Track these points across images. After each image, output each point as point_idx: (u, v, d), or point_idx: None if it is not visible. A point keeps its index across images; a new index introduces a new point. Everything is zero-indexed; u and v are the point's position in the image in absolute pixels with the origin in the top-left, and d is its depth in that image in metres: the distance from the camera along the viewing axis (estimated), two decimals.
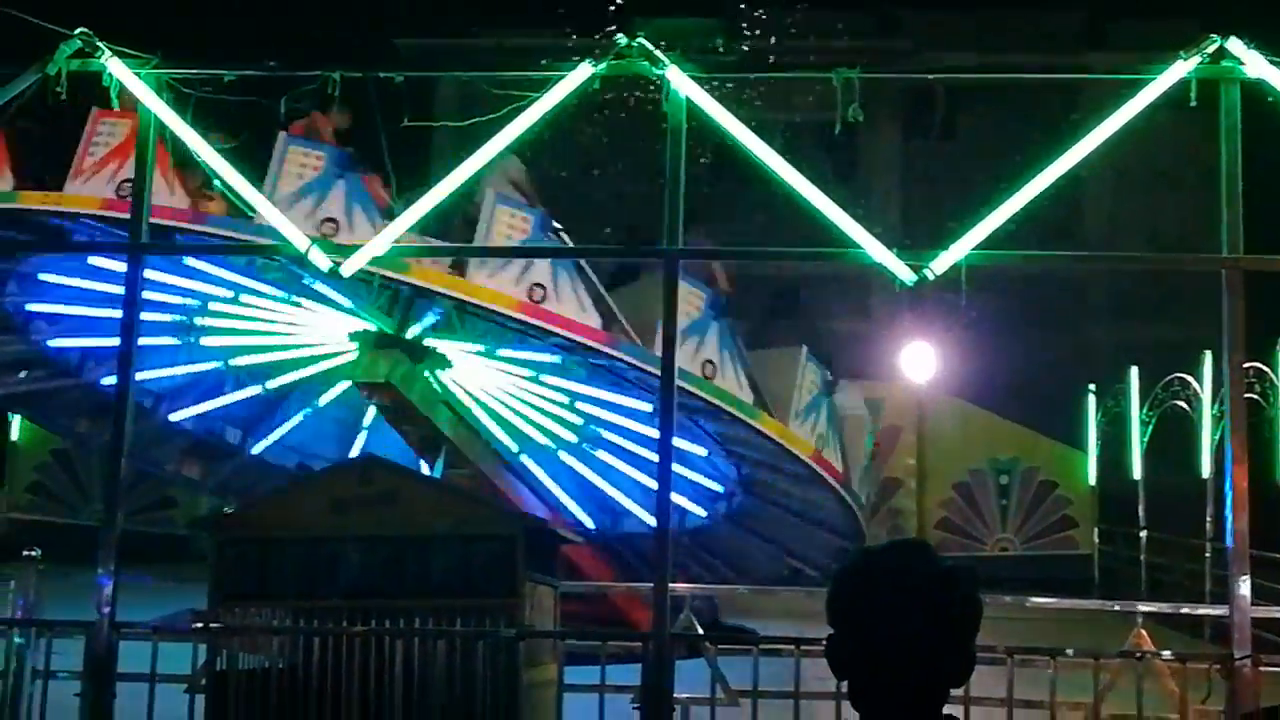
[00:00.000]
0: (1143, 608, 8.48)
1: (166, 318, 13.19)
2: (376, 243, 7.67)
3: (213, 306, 13.44)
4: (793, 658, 7.46)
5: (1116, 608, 9.54)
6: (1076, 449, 22.09)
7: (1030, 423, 22.49)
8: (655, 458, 10.73)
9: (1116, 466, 20.10)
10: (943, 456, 22.68)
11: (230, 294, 13.25)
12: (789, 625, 9.37)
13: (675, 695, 7.41)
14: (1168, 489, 19.00)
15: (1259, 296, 7.49)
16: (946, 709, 2.51)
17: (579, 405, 13.22)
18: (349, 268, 7.74)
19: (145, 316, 9.68)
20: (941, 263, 7.30)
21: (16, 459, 21.54)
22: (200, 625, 7.06)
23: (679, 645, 7.73)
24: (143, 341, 8.97)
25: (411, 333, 12.21)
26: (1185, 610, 10.58)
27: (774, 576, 13.78)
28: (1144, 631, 7.97)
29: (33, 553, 8.70)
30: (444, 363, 12.50)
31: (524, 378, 13.09)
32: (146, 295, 9.39)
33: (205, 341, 13.57)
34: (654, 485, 8.78)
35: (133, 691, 7.41)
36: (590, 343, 11.42)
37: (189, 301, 13.26)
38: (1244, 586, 6.72)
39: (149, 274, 9.43)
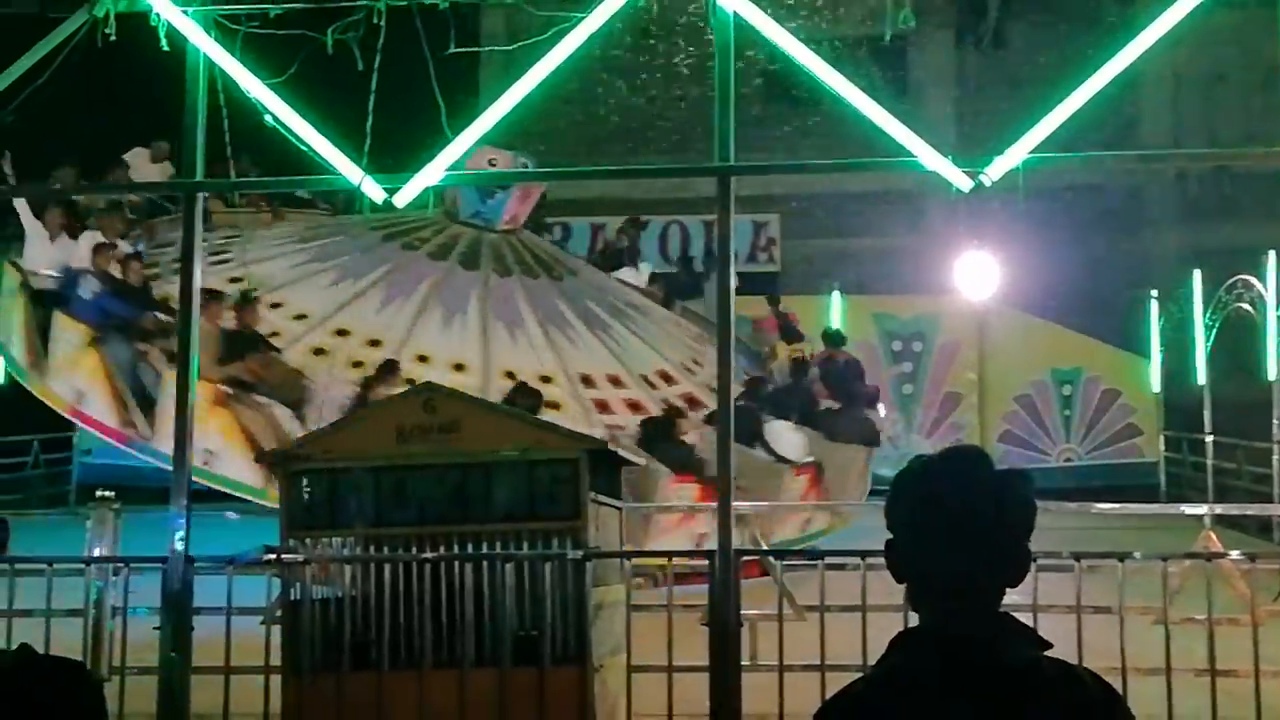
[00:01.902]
0: (1210, 510, 8.42)
1: None
2: (429, 171, 7.67)
3: None
4: (859, 572, 7.48)
5: (1184, 510, 9.48)
6: (1139, 356, 21.89)
7: (1092, 331, 22.29)
8: None
9: (1180, 373, 19.89)
10: (1003, 369, 22.56)
11: None
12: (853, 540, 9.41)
13: (743, 612, 7.45)
14: (1233, 393, 18.78)
15: None
16: (1015, 615, 2.58)
17: None
18: (403, 198, 7.75)
19: None
20: (998, 167, 7.21)
21: None
22: (273, 558, 7.17)
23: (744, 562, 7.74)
24: None
25: None
26: (1253, 512, 10.50)
27: None
28: (1212, 534, 7.92)
29: (107, 494, 8.88)
30: None
31: None
32: None
33: None
34: None
35: (210, 625, 7.56)
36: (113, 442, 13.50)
37: None
38: None
39: None
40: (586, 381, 14.32)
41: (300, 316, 14.49)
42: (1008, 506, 2.58)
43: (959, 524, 2.53)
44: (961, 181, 7.29)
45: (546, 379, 14.02)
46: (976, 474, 2.59)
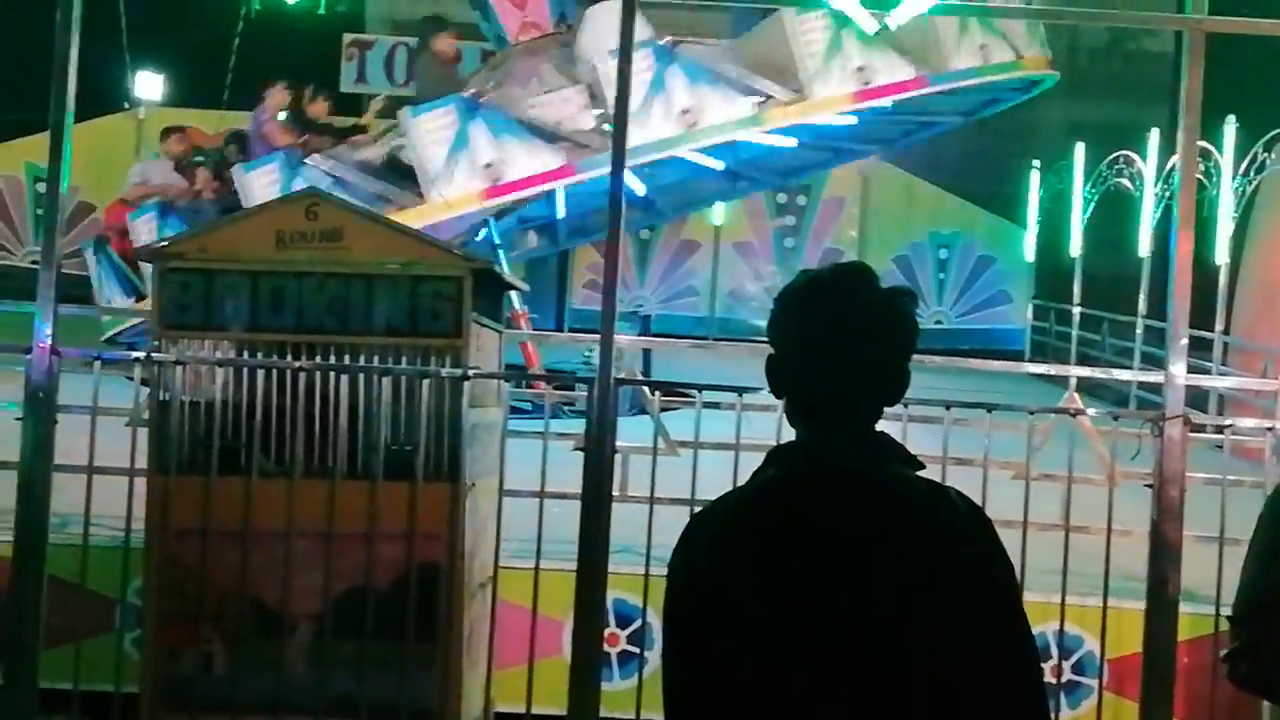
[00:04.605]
0: (1077, 372, 8.63)
1: None
2: None
3: None
4: (734, 411, 7.51)
5: (1051, 371, 9.71)
6: (1016, 224, 22.23)
7: (972, 197, 22.57)
8: None
9: (1054, 244, 20.27)
10: (884, 228, 22.78)
11: None
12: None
13: (617, 444, 7.46)
14: (1104, 268, 19.24)
15: (1208, 79, 7.27)
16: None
17: None
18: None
19: None
20: (904, 11, 7.12)
21: None
22: (143, 356, 6.99)
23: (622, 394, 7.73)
24: None
25: None
26: (1118, 375, 10.79)
27: None
28: (1076, 395, 8.12)
29: None
30: None
31: None
32: None
33: None
34: None
35: (74, 425, 7.37)
36: None
37: None
38: (1182, 347, 6.77)
39: None
40: None
41: None
42: (893, 324, 2.59)
43: (843, 339, 2.54)
44: (867, 24, 7.21)
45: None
46: (863, 290, 2.59)
